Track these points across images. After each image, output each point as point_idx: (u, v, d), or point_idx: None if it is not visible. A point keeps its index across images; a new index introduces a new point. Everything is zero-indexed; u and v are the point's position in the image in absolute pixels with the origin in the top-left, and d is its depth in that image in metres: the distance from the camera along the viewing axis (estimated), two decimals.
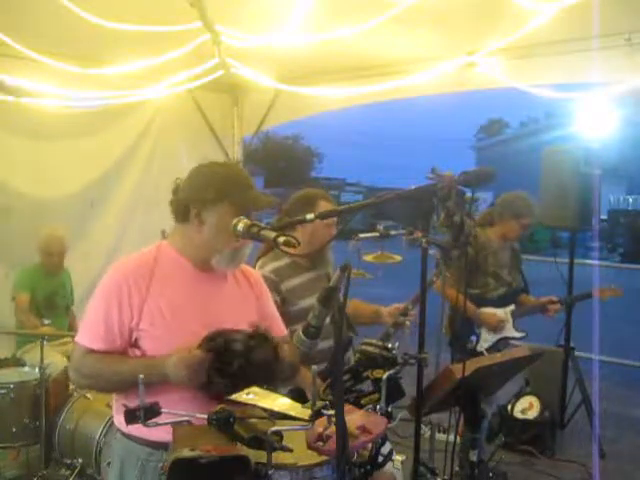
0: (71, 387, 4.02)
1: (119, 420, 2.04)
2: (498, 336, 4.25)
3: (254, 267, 2.91)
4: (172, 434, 1.72)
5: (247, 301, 2.22)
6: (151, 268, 2.04)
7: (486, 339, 4.24)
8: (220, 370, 1.90)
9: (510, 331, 4.28)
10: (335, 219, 2.90)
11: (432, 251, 2.78)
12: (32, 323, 4.43)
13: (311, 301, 2.72)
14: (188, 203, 2.04)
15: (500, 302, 4.29)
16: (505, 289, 4.33)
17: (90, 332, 2.02)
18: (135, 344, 2.00)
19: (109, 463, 2.16)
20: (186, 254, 2.10)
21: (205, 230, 2.03)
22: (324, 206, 2.92)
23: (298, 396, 2.16)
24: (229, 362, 1.90)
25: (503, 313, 4.27)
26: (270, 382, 1.98)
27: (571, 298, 4.70)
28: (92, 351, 1.99)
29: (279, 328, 2.33)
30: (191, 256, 2.09)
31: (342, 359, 2.47)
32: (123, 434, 2.05)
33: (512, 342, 4.32)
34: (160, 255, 2.09)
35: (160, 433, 1.78)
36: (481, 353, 4.17)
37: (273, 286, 2.79)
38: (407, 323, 3.25)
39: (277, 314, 2.38)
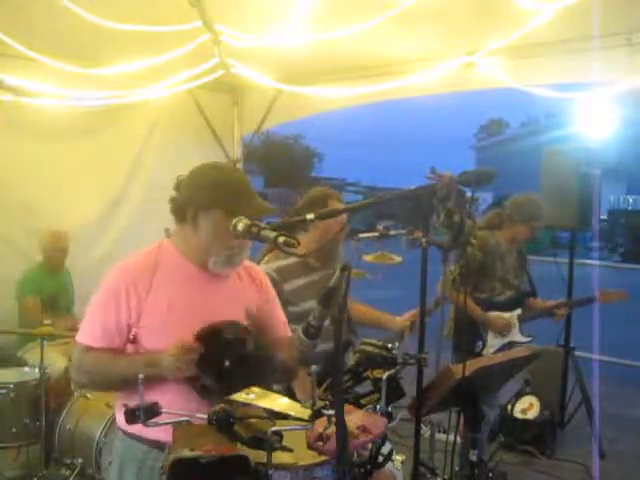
0: (71, 387, 4.02)
1: (121, 419, 2.04)
2: (504, 341, 4.18)
3: (258, 264, 2.90)
4: (172, 434, 1.72)
5: (249, 302, 2.21)
6: (152, 269, 2.05)
7: (492, 344, 4.16)
8: (210, 364, 1.89)
9: (517, 335, 4.21)
10: (345, 218, 2.85)
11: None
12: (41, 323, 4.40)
13: (314, 303, 2.75)
14: (185, 204, 2.05)
15: (507, 306, 4.22)
16: (512, 293, 4.27)
17: (89, 330, 2.05)
18: (134, 340, 2.02)
19: (110, 462, 2.16)
20: (186, 254, 2.10)
21: (200, 232, 2.04)
22: (334, 206, 2.88)
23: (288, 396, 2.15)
24: (220, 354, 1.91)
25: (510, 317, 4.21)
26: (262, 380, 1.96)
27: (573, 302, 4.65)
28: (91, 348, 2.03)
29: (284, 331, 2.33)
30: (191, 256, 2.10)
31: (342, 359, 2.47)
32: (124, 433, 2.07)
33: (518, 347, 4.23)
34: (161, 254, 2.10)
35: (156, 432, 1.78)
36: None
37: (274, 285, 2.78)
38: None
39: (284, 318, 2.36)
